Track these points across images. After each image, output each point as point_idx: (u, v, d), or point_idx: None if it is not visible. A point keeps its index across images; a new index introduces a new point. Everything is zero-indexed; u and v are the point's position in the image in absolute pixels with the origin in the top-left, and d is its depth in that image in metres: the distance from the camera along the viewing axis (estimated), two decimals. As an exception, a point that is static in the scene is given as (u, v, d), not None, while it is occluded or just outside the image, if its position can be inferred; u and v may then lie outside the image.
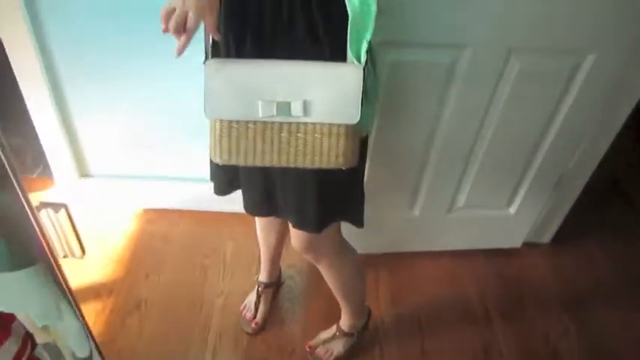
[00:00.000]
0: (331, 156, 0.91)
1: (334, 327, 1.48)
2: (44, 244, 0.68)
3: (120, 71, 1.57)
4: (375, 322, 1.57)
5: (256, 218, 1.45)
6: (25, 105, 1.63)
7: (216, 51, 0.98)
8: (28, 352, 1.17)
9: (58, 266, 0.76)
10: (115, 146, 1.78)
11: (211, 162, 1.16)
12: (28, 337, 1.15)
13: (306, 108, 0.88)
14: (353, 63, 0.89)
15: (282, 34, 0.92)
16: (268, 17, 0.91)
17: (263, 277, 1.59)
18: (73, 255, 1.72)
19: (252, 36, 0.94)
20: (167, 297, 1.63)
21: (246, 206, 1.20)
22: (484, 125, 1.45)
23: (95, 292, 1.63)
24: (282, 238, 1.52)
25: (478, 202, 1.68)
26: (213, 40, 0.93)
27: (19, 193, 0.60)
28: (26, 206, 0.62)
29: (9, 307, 0.96)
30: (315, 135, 0.90)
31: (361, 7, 0.84)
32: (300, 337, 1.54)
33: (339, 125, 0.89)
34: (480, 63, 1.29)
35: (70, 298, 0.86)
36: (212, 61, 0.89)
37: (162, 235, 1.83)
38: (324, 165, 0.92)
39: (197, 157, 1.49)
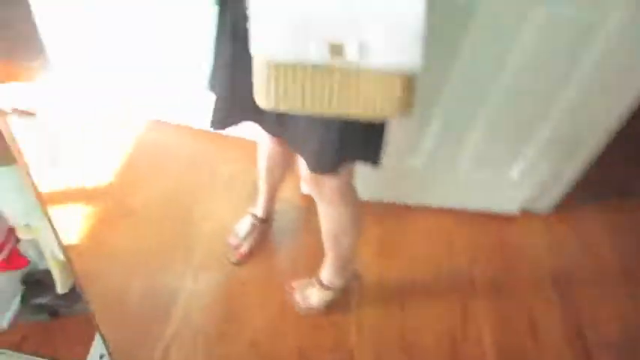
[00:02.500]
0: (386, 105, 0.83)
1: (315, 276, 1.45)
2: (14, 150, 0.65)
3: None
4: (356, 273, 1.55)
5: (261, 151, 1.40)
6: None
7: None
8: (10, 245, 1.19)
9: (28, 173, 0.73)
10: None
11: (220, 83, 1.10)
12: (12, 232, 1.16)
13: (362, 50, 0.78)
14: None
15: None
16: None
17: (259, 211, 1.57)
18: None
19: None
20: (157, 211, 1.63)
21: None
22: (501, 73, 1.36)
23: (87, 195, 1.64)
24: (284, 174, 1.49)
25: (481, 161, 1.62)
26: None
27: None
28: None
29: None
30: (370, 81, 0.82)
31: None
32: (286, 274, 1.53)
33: (398, 69, 0.80)
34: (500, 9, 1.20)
35: (41, 206, 0.85)
36: None
37: (162, 147, 1.81)
38: (378, 115, 0.85)
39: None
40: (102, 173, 1.69)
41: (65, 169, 1.69)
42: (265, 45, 0.79)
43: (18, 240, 1.20)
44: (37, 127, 1.73)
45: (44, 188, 1.57)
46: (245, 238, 1.54)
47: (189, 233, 1.58)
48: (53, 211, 1.54)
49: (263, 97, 0.84)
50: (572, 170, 1.65)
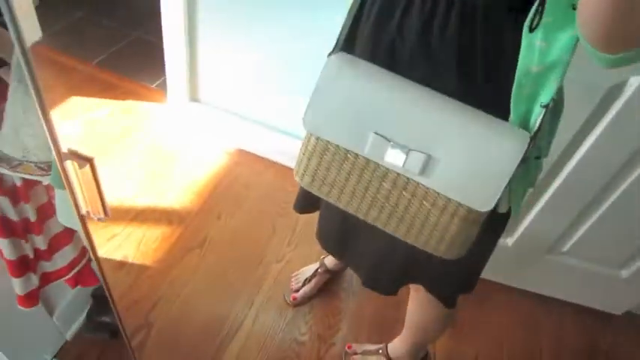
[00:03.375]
0: (433, 237, 0.70)
1: (382, 345, 1.36)
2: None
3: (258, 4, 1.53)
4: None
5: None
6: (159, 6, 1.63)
7: (349, 45, 0.75)
8: (83, 262, 1.21)
9: (86, 230, 0.73)
10: (229, 79, 1.76)
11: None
12: (85, 250, 1.19)
13: (426, 165, 0.66)
14: (517, 128, 0.64)
15: (424, 53, 0.68)
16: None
17: (329, 261, 1.51)
18: (98, 213, 1.75)
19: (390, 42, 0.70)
20: (231, 243, 1.62)
21: (318, 234, 1.08)
22: (626, 168, 1.20)
23: (168, 217, 1.67)
24: None
25: (585, 253, 1.45)
26: (350, 28, 0.73)
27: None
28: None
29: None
30: (425, 203, 0.68)
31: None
32: (343, 333, 1.46)
33: (460, 205, 0.67)
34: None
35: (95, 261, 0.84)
36: (338, 57, 0.70)
37: (245, 180, 1.82)
38: (420, 244, 0.71)
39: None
40: (184, 198, 1.73)
41: (150, 187, 1.75)
42: (318, 123, 0.70)
43: (90, 259, 1.23)
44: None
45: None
46: (305, 282, 1.49)
47: (257, 271, 1.56)
48: (130, 226, 1.62)
49: (300, 171, 0.75)
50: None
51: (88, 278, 1.17)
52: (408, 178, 0.68)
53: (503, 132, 0.64)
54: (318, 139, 0.72)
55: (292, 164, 1.01)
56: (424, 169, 0.66)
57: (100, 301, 1.32)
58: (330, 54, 0.72)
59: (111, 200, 0.73)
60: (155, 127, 1.94)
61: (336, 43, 0.73)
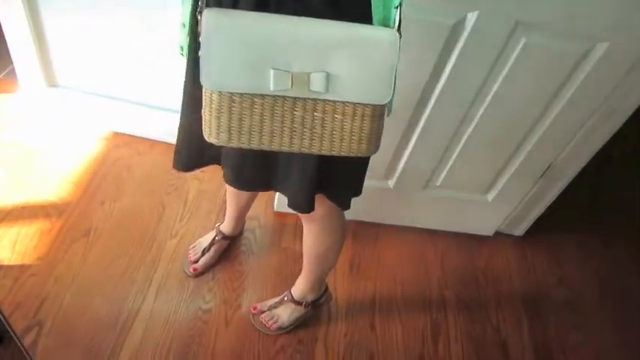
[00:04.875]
0: (353, 142, 0.77)
1: (285, 293, 1.41)
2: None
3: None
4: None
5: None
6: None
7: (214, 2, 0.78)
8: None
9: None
10: (89, 59, 1.65)
11: (181, 128, 1.04)
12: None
13: (328, 82, 0.72)
14: (383, 27, 0.74)
15: None
16: None
17: (225, 227, 1.52)
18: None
19: None
20: (119, 229, 1.55)
21: (232, 179, 1.04)
22: (477, 100, 1.34)
23: (45, 211, 1.56)
24: (252, 198, 1.45)
25: (456, 183, 1.61)
26: None
27: None
28: None
29: None
30: (336, 116, 0.75)
31: None
32: (248, 294, 1.49)
33: (365, 105, 0.75)
34: (484, 31, 1.17)
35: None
36: (211, 12, 0.71)
37: (126, 163, 1.74)
38: (344, 152, 0.78)
39: (176, 88, 1.38)
40: (60, 188, 1.62)
41: (22, 181, 1.61)
42: (218, 79, 0.71)
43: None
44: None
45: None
46: (204, 252, 1.49)
47: (152, 251, 1.52)
48: (4, 225, 1.49)
49: (214, 131, 0.74)
50: (547, 195, 1.65)
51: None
52: (314, 99, 0.74)
53: (376, 33, 0.74)
54: (220, 93, 0.72)
55: (172, 140, 1.00)
56: (327, 87, 0.72)
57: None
58: (198, 11, 0.72)
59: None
60: (11, 119, 1.78)
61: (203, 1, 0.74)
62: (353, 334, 1.46)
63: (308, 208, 1.00)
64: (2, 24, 1.56)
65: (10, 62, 1.70)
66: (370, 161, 1.08)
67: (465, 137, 1.45)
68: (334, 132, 0.76)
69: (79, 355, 1.30)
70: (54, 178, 1.64)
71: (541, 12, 1.15)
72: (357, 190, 1.06)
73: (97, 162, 1.72)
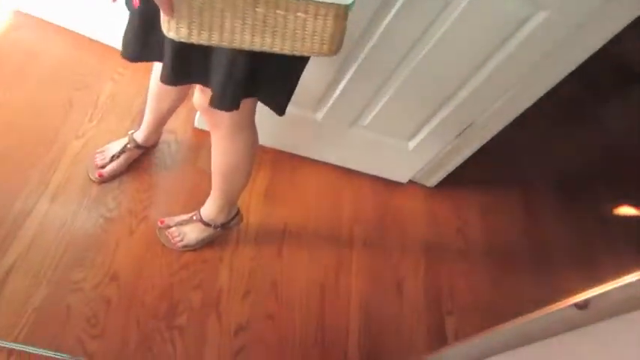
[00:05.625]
0: (315, 41, 0.77)
1: (194, 212, 1.37)
2: None
3: None
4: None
5: (153, 75, 1.25)
6: None
7: None
8: None
9: None
10: None
11: (131, 18, 0.96)
12: None
13: None
14: None
15: None
16: None
17: (139, 136, 1.42)
18: None
19: None
20: (16, 120, 1.40)
21: (163, 75, 0.98)
22: (417, 47, 1.33)
23: None
24: (175, 106, 1.35)
25: (381, 127, 1.62)
26: None
27: None
28: None
29: None
30: (298, 14, 0.74)
31: None
32: (156, 208, 1.43)
33: (328, 4, 0.73)
34: None
35: None
36: None
37: (29, 48, 1.55)
38: (307, 52, 0.77)
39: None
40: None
41: None
42: None
43: None
44: None
45: None
46: (112, 158, 1.40)
47: (52, 150, 1.39)
48: None
49: (173, 25, 0.72)
50: (463, 152, 1.72)
51: None
52: None
53: None
54: None
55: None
56: None
57: None
58: None
59: None
60: None
61: None
62: (259, 259, 1.48)
63: (231, 103, 0.96)
64: None
65: None
66: (302, 90, 1.05)
67: (398, 82, 1.44)
68: (296, 31, 0.75)
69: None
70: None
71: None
72: (290, 95, 1.04)
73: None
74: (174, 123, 1.55)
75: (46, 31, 1.59)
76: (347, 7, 0.76)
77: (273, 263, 1.49)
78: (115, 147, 1.41)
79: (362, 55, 1.36)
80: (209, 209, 1.34)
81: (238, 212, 1.40)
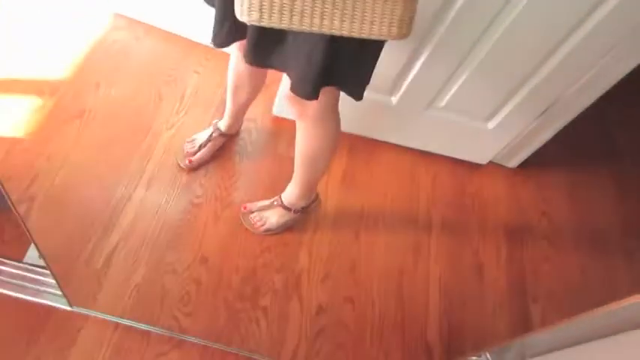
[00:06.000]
0: (384, 24, 0.77)
1: (275, 197, 1.42)
2: None
3: None
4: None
5: (230, 67, 1.31)
6: None
7: None
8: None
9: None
10: None
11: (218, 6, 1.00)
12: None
13: None
14: None
15: None
16: None
17: (222, 124, 1.50)
18: None
19: None
20: (114, 114, 1.53)
21: (245, 53, 1.00)
22: (494, 23, 1.28)
23: (38, 88, 1.52)
24: (252, 97, 1.41)
25: (459, 107, 1.58)
26: None
27: None
28: None
29: None
30: None
31: None
32: (239, 193, 1.50)
33: None
34: None
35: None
36: None
37: (124, 47, 1.67)
38: (375, 35, 0.78)
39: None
40: (57, 67, 1.56)
41: (19, 59, 1.55)
42: None
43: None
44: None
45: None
46: (200, 147, 1.48)
47: (146, 141, 1.51)
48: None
49: (245, 8, 0.75)
50: (547, 131, 1.63)
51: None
52: None
53: None
54: None
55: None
56: None
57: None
58: None
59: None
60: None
61: None
62: (337, 242, 1.51)
63: (312, 91, 0.98)
64: None
65: None
66: (376, 74, 1.05)
67: (476, 61, 1.40)
68: (365, 13, 0.76)
69: (70, 231, 1.33)
70: (49, 55, 1.58)
71: None
72: (368, 80, 1.04)
73: (94, 43, 1.65)
74: (254, 111, 1.62)
75: (137, 30, 1.71)
76: None
77: (352, 247, 1.52)
78: (202, 136, 1.50)
79: (437, 36, 1.33)
80: (290, 194, 1.38)
81: (317, 197, 1.44)
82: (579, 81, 1.44)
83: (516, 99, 1.52)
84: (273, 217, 1.42)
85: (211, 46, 1.08)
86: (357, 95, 1.06)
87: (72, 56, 1.60)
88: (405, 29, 0.78)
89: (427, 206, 1.67)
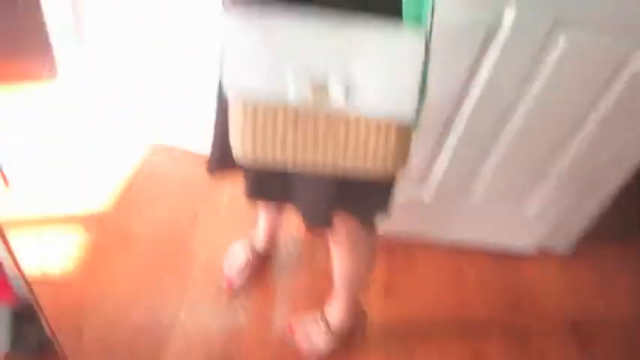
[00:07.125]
0: (378, 157, 0.73)
1: (318, 313, 1.36)
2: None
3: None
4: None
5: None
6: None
7: None
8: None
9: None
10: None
11: (216, 134, 1.02)
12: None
13: (348, 93, 0.69)
14: (410, 29, 0.68)
15: None
16: None
17: (258, 244, 1.50)
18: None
19: None
20: (156, 238, 1.56)
21: (244, 189, 1.03)
22: (516, 105, 1.29)
23: (84, 220, 1.57)
24: (283, 212, 1.42)
25: (494, 195, 1.53)
26: None
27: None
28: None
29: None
30: (360, 129, 0.72)
31: None
32: (280, 311, 1.45)
33: (390, 120, 0.71)
34: (522, 29, 1.13)
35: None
36: (230, 15, 0.69)
37: (161, 172, 1.75)
38: (370, 168, 0.75)
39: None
40: (98, 199, 1.63)
41: (59, 192, 1.63)
42: (238, 81, 0.70)
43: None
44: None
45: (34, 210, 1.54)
46: (238, 270, 1.47)
47: (186, 262, 1.51)
48: (44, 235, 1.51)
49: (239, 143, 0.74)
50: (591, 207, 1.56)
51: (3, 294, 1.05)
52: (337, 111, 0.71)
53: (402, 34, 0.68)
54: (245, 102, 0.71)
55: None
56: (347, 96, 0.69)
57: (22, 316, 1.20)
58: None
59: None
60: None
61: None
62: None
63: (324, 221, 0.96)
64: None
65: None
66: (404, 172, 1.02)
67: (504, 144, 1.38)
68: (358, 148, 0.73)
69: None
70: (90, 187, 1.65)
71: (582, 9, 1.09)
72: (382, 208, 0.99)
73: (132, 171, 1.72)
74: (290, 225, 1.61)
75: (172, 155, 1.79)
76: (410, 122, 0.73)
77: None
78: (239, 254, 1.48)
79: (459, 125, 1.33)
80: (334, 313, 1.32)
81: (364, 313, 1.38)
82: (610, 154, 1.40)
83: (550, 179, 1.48)
84: (321, 340, 1.35)
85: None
86: (368, 223, 1.03)
87: (113, 186, 1.67)
88: (400, 162, 0.75)
89: (480, 307, 1.56)
